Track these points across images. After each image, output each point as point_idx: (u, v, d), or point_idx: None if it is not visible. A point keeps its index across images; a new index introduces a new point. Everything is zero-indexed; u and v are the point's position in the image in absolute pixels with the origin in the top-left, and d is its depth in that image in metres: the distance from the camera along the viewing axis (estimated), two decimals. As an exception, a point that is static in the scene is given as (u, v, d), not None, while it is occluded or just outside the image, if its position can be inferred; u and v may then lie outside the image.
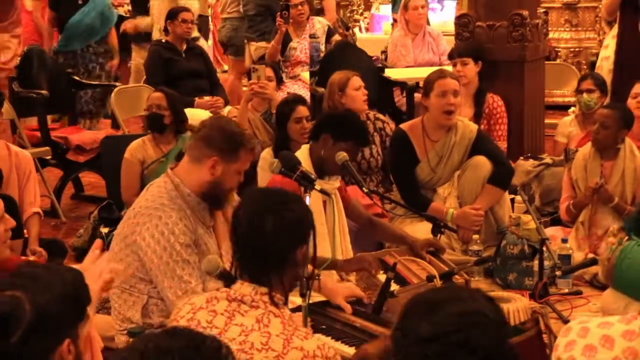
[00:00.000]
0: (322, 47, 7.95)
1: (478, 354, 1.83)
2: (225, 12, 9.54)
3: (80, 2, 8.38)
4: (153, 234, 3.51)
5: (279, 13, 7.79)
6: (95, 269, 2.77)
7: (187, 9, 7.79)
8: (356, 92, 5.60)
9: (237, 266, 2.74)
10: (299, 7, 7.92)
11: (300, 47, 7.91)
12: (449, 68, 6.03)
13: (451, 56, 6.29)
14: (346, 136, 4.32)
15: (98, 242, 2.94)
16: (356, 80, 5.66)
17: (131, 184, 5.56)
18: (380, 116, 5.73)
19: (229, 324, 2.60)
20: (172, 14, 7.64)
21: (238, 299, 2.65)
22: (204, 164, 3.60)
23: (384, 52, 8.47)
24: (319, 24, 8.09)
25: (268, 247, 2.67)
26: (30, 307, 2.04)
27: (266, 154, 5.22)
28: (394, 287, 3.86)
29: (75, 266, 2.68)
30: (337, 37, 8.16)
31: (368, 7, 11.48)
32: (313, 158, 4.35)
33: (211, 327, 2.60)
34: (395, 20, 9.36)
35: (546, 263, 4.34)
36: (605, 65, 7.13)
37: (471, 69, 6.08)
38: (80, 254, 5.45)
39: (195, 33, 9.33)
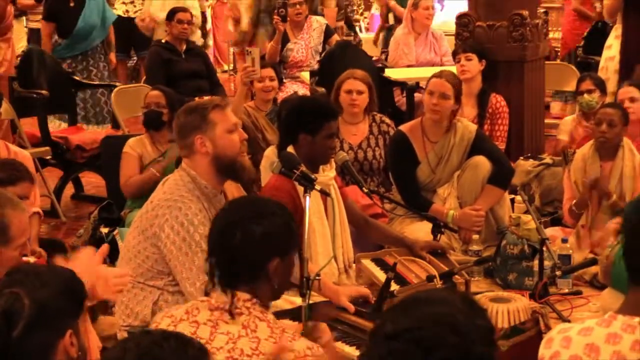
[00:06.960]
0: (319, 48, 7.94)
1: (434, 357, 1.70)
2: None
3: (71, 4, 8.38)
4: (172, 225, 3.51)
5: (275, 11, 7.77)
6: (89, 267, 2.80)
7: (184, 9, 7.77)
8: (346, 95, 5.51)
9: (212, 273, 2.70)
10: (297, 6, 7.87)
11: (297, 48, 7.89)
12: (452, 68, 6.02)
13: (455, 53, 6.30)
14: (319, 124, 4.19)
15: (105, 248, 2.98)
16: (348, 84, 5.53)
17: (131, 175, 5.54)
18: (386, 119, 5.68)
19: (215, 333, 2.57)
20: (169, 15, 7.66)
21: (220, 308, 2.62)
22: (195, 151, 3.63)
23: (385, 51, 8.47)
24: (317, 24, 8.06)
25: (237, 259, 2.63)
26: (29, 302, 2.11)
27: (270, 152, 5.15)
28: (394, 287, 3.86)
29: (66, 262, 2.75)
30: (336, 37, 8.15)
31: (368, 7, 11.50)
32: (301, 158, 4.13)
33: (196, 338, 2.59)
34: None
35: (546, 263, 4.33)
36: (610, 66, 7.10)
37: (475, 64, 6.10)
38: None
39: (197, 37, 9.34)
